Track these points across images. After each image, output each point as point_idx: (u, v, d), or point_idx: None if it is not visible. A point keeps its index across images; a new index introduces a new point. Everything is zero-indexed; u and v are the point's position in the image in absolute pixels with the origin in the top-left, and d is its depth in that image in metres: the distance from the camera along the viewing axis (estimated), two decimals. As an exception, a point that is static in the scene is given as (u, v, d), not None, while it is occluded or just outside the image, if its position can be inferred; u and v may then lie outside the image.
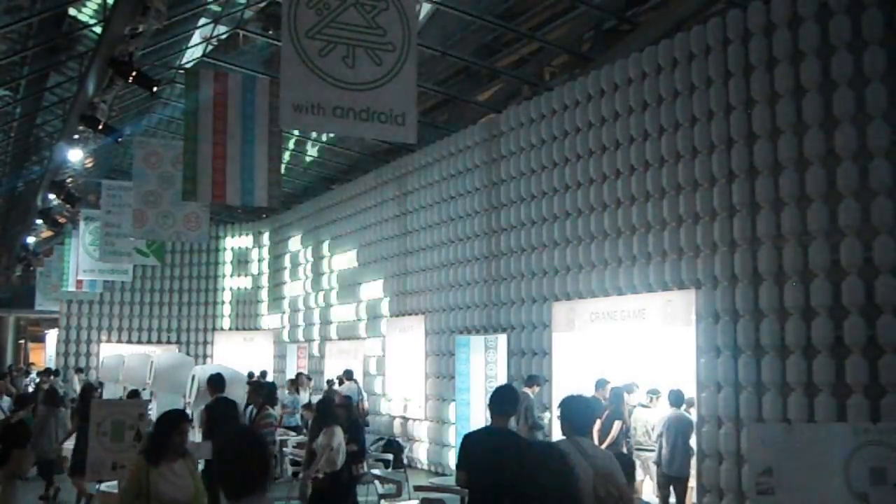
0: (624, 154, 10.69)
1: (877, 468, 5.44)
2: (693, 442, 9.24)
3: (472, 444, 5.53)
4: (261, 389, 10.80)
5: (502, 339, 12.89)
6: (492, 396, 5.65)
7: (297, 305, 21.19)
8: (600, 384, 10.02)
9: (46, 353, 32.41)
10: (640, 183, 10.40)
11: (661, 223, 10.06)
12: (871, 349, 7.76)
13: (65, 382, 21.29)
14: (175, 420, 5.50)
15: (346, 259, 18.46)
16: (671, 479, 9.03)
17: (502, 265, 12.96)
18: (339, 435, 8.23)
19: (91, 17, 12.28)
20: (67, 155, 14.41)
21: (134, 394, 11.85)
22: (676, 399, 9.11)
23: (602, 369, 10.49)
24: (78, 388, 20.50)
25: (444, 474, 12.96)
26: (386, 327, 16.42)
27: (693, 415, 9.31)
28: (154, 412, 14.14)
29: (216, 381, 9.92)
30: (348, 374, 15.81)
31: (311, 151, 18.67)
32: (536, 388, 10.98)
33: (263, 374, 18.73)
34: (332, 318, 19.06)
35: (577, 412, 4.99)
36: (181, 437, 5.39)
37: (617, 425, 9.50)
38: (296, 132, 15.84)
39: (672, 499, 9.16)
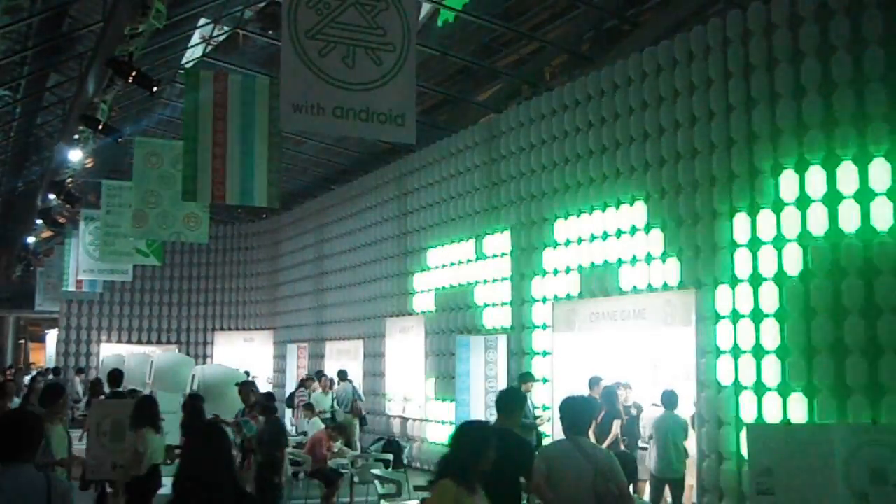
0: (624, 154, 10.69)
1: (877, 468, 5.43)
2: (692, 443, 9.22)
3: None
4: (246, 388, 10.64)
5: (502, 339, 12.89)
6: (497, 398, 5.81)
7: (297, 305, 21.18)
8: (594, 382, 10.02)
9: (46, 353, 32.41)
10: (640, 183, 10.40)
11: (662, 223, 10.06)
12: (871, 349, 7.76)
13: (65, 383, 21.27)
14: (489, 436, 4.33)
15: (345, 259, 18.46)
16: (665, 482, 8.98)
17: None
18: (148, 438, 7.47)
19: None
20: (67, 155, 14.39)
21: (132, 393, 11.80)
22: (668, 400, 9.07)
23: (602, 369, 10.50)
24: (80, 388, 20.52)
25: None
26: (386, 327, 16.42)
27: (688, 414, 9.29)
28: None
29: (115, 376, 10.97)
30: (342, 375, 15.74)
31: (311, 151, 18.67)
32: (531, 385, 10.95)
33: (246, 374, 18.68)
34: (331, 318, 19.06)
35: (576, 412, 5.01)
36: (493, 456, 4.27)
37: (616, 424, 9.50)
38: (296, 132, 15.83)
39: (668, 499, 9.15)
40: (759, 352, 8.68)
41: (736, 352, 8.93)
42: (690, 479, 9.31)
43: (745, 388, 8.78)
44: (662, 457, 8.89)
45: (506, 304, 12.83)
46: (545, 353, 11.86)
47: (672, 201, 9.90)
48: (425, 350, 14.85)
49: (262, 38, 13.98)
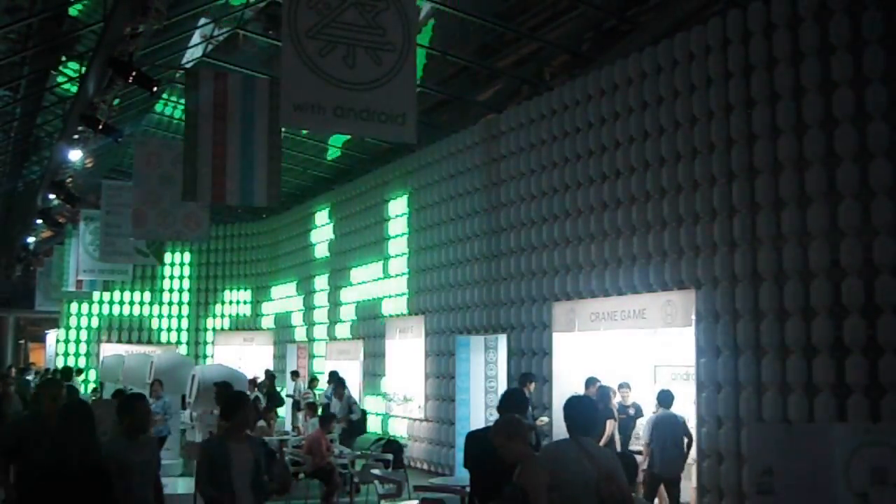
0: (624, 154, 10.69)
1: (877, 468, 5.44)
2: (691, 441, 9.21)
3: (472, 441, 5.74)
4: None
5: (502, 339, 12.90)
6: (500, 399, 5.89)
7: (297, 305, 21.18)
8: (590, 382, 10.03)
9: (46, 353, 32.40)
10: (640, 183, 10.39)
11: (661, 223, 10.06)
12: (871, 349, 7.76)
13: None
14: None
15: (346, 259, 18.46)
16: (661, 480, 8.98)
17: (502, 265, 12.96)
18: None
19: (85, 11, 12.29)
20: (67, 155, 14.39)
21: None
22: (665, 399, 9.08)
23: (602, 370, 10.50)
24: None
25: (443, 474, 12.96)
26: (386, 327, 16.41)
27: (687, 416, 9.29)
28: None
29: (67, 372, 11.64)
30: (334, 377, 15.46)
31: (312, 151, 18.66)
32: (532, 386, 10.94)
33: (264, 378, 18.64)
34: (331, 318, 19.05)
35: (580, 413, 5.02)
36: None
37: (610, 424, 9.49)
38: (296, 132, 15.83)
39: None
40: (759, 352, 8.68)
41: (736, 352, 8.93)
42: (692, 480, 9.31)
43: (745, 387, 8.78)
44: (662, 456, 8.88)
45: (505, 303, 12.84)
46: (545, 354, 11.86)
47: (672, 201, 9.90)
48: (425, 350, 14.85)
49: (262, 38, 13.97)
